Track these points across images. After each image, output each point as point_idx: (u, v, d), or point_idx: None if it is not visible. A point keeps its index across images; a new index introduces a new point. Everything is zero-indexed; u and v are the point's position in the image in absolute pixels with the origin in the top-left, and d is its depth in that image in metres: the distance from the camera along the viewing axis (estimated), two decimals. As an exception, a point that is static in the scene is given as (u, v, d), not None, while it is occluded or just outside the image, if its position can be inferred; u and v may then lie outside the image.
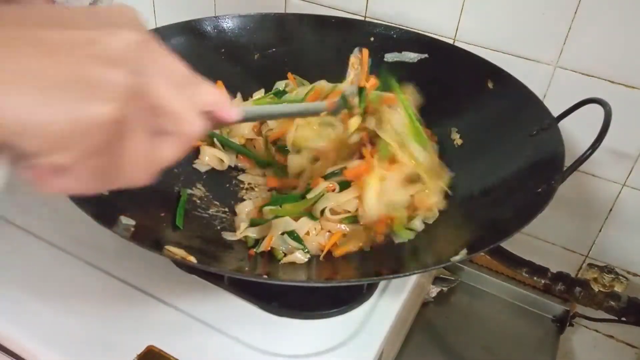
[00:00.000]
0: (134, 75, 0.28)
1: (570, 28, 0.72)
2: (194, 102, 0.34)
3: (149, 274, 0.62)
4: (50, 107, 0.26)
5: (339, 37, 0.81)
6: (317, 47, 0.80)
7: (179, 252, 0.51)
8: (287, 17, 0.83)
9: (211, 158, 0.70)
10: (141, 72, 0.29)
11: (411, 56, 0.79)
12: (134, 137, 0.30)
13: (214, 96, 0.36)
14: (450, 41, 0.81)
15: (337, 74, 0.77)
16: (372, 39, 0.81)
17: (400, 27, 0.81)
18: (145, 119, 0.30)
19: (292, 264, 0.58)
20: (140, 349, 0.54)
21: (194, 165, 0.70)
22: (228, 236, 0.61)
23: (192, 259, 0.50)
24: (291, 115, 0.65)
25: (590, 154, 0.55)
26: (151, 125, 0.31)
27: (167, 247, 0.51)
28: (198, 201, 0.66)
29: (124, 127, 0.29)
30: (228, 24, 0.79)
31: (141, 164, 0.31)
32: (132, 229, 0.53)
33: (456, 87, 0.74)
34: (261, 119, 0.66)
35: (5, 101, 0.25)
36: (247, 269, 0.56)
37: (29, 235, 0.65)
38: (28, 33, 0.26)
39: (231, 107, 0.37)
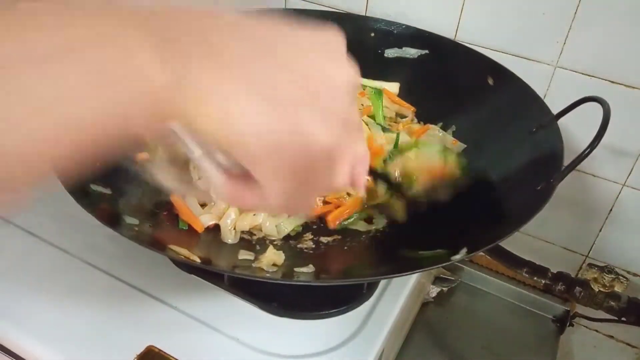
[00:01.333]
0: (352, 106, 0.29)
1: (570, 28, 0.72)
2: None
3: (149, 274, 0.61)
4: (284, 123, 0.26)
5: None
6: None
7: (183, 252, 0.51)
8: (286, 13, 0.83)
9: None
10: (354, 104, 0.30)
11: (411, 52, 0.79)
12: (344, 160, 0.30)
13: (364, 159, 0.34)
14: (451, 41, 0.81)
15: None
16: (372, 34, 0.81)
17: (401, 23, 0.81)
18: (341, 154, 0.30)
19: (293, 264, 0.58)
20: (140, 349, 0.54)
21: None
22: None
23: (196, 259, 0.50)
24: None
25: (589, 152, 0.55)
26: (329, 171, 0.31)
27: (170, 246, 0.51)
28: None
29: (333, 161, 0.29)
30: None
31: (315, 197, 0.32)
32: (136, 228, 0.53)
33: (456, 83, 0.74)
34: None
35: (245, 108, 0.26)
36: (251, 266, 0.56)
37: (29, 235, 0.65)
38: (276, 51, 0.28)
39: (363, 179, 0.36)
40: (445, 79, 0.74)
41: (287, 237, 0.62)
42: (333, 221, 0.61)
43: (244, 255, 0.55)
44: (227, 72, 0.26)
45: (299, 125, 0.27)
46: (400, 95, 0.79)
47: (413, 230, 0.63)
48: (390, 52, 0.80)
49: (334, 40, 0.31)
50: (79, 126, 0.23)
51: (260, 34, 0.28)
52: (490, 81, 0.72)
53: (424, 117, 0.77)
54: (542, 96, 0.77)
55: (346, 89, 0.29)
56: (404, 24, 0.80)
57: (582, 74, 0.74)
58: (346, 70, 0.29)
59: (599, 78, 0.73)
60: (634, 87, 0.72)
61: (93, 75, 0.23)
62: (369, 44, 0.80)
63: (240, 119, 0.26)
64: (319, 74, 0.28)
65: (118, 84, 0.24)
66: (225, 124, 0.26)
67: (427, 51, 0.79)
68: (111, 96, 0.24)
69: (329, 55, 0.29)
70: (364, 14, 0.86)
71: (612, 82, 0.72)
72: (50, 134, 0.22)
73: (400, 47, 0.80)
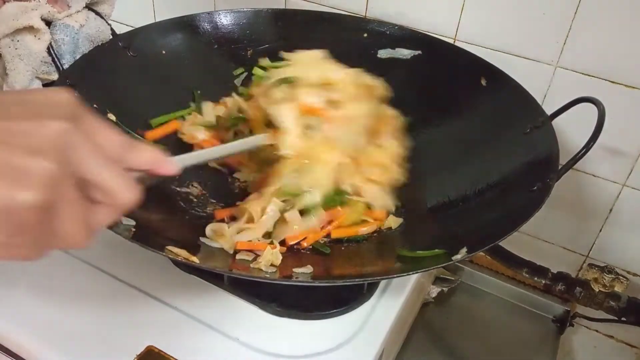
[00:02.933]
0: (60, 163, 0.31)
1: (570, 28, 0.72)
2: (129, 166, 0.37)
3: (149, 274, 0.61)
4: None
5: (332, 33, 0.81)
6: (310, 43, 0.80)
7: (181, 253, 0.51)
8: (279, 13, 0.83)
9: None
10: (69, 157, 0.31)
11: (405, 53, 0.79)
12: (67, 210, 0.32)
13: (148, 156, 0.39)
14: (451, 41, 0.81)
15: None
16: (365, 35, 0.81)
17: (395, 23, 0.81)
18: (78, 193, 0.33)
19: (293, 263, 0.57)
20: (140, 349, 0.54)
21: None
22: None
23: (195, 259, 0.50)
24: (230, 154, 0.62)
25: (585, 152, 0.55)
26: (85, 196, 0.34)
27: (168, 247, 0.51)
28: (195, 200, 0.65)
29: (55, 206, 0.31)
30: (221, 20, 0.79)
31: (77, 230, 0.33)
32: (133, 229, 0.53)
33: (450, 84, 0.74)
34: (201, 163, 0.65)
35: None
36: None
37: (29, 235, 0.65)
38: None
39: (167, 162, 0.40)
40: (438, 80, 0.74)
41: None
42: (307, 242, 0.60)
43: (242, 255, 0.55)
44: None
45: (3, 192, 0.29)
46: (393, 96, 0.79)
47: (413, 230, 0.63)
48: (384, 53, 0.80)
49: (51, 98, 0.33)
50: None
51: None
52: (484, 82, 0.72)
53: (417, 118, 0.77)
54: (542, 96, 0.77)
55: (47, 142, 0.31)
56: (397, 25, 0.80)
57: (582, 74, 0.74)
58: (47, 125, 0.31)
59: (599, 78, 0.73)
60: (634, 87, 0.72)
61: None
62: (362, 45, 0.81)
63: None
64: (19, 138, 0.30)
65: None
66: None
67: (420, 52, 0.79)
68: None
69: (30, 114, 0.31)
70: (363, 14, 0.86)
71: (612, 82, 0.72)
72: None
73: (393, 47, 0.80)
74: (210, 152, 0.58)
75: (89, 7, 0.74)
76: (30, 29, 0.67)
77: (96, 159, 0.34)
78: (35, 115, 0.31)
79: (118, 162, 0.36)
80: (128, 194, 0.35)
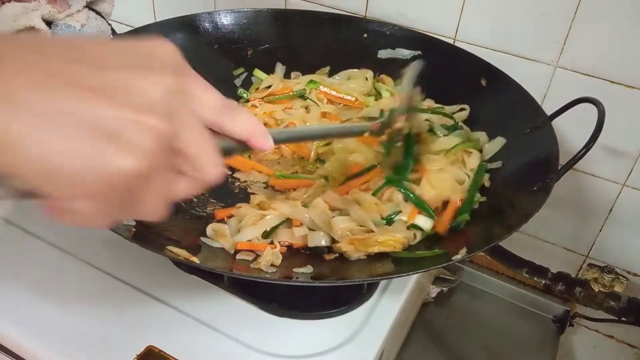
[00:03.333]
0: (164, 127, 0.28)
1: (570, 28, 0.72)
2: (224, 132, 0.34)
3: (149, 274, 0.61)
4: (77, 155, 0.25)
5: (332, 33, 0.81)
6: (310, 44, 0.80)
7: (182, 253, 0.51)
8: (280, 13, 0.83)
9: None
10: (171, 120, 0.28)
11: (404, 53, 0.79)
12: (156, 181, 0.29)
13: (246, 125, 0.36)
14: (451, 41, 0.81)
15: (332, 71, 0.77)
16: (365, 35, 0.81)
17: (395, 23, 0.81)
18: (169, 161, 0.30)
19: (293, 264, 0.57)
20: (140, 349, 0.54)
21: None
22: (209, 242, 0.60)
23: (195, 259, 0.50)
24: (331, 137, 0.63)
25: (585, 152, 0.55)
26: (172, 166, 0.31)
27: (168, 247, 0.51)
28: (195, 199, 0.66)
29: (149, 174, 0.28)
30: (222, 20, 0.79)
31: (158, 202, 0.31)
32: (133, 229, 0.53)
33: (450, 84, 0.74)
34: (295, 142, 0.62)
35: (34, 142, 0.25)
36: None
37: (29, 235, 0.65)
38: (63, 71, 0.26)
39: (265, 135, 0.37)
40: (438, 80, 0.74)
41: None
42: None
43: (243, 255, 0.55)
44: (25, 108, 0.25)
45: (105, 157, 0.26)
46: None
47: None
48: (383, 53, 0.80)
49: (158, 52, 0.30)
50: None
51: (55, 56, 0.27)
52: (484, 82, 0.72)
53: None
54: (542, 96, 0.77)
55: (158, 104, 0.28)
56: (397, 25, 0.80)
57: (582, 74, 0.74)
58: (159, 83, 0.28)
59: (599, 78, 0.73)
60: (634, 87, 0.72)
61: None
62: (362, 45, 0.81)
63: (27, 160, 0.25)
64: (123, 93, 0.27)
65: None
66: (16, 167, 0.25)
67: (420, 52, 0.79)
68: None
69: (139, 67, 0.28)
70: (363, 14, 0.86)
71: (612, 82, 0.72)
72: None
73: (393, 48, 0.80)
74: (310, 130, 0.56)
75: (88, 6, 0.74)
76: (31, 29, 0.67)
77: (196, 128, 0.31)
78: (140, 69, 0.28)
79: (214, 126, 0.33)
80: (215, 171, 0.33)
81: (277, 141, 0.40)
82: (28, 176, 0.26)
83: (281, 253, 0.57)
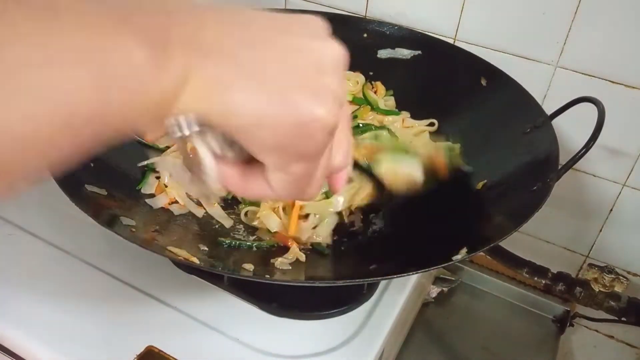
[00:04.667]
0: (341, 87, 0.30)
1: (570, 28, 0.72)
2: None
3: (149, 274, 0.61)
4: (283, 105, 0.27)
5: (332, 33, 0.81)
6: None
7: (182, 253, 0.51)
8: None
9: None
10: (344, 85, 0.31)
11: (404, 53, 0.79)
12: (328, 152, 0.31)
13: (348, 158, 0.35)
14: (451, 41, 0.81)
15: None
16: (365, 35, 0.81)
17: (395, 23, 0.81)
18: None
19: (292, 263, 0.57)
20: (140, 349, 0.54)
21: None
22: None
23: (195, 260, 0.50)
24: None
25: (585, 152, 0.55)
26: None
27: (169, 247, 0.51)
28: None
29: (331, 140, 0.30)
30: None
31: (320, 182, 0.32)
32: (133, 229, 0.53)
33: (449, 84, 0.74)
34: None
35: (245, 96, 0.26)
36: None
37: (29, 235, 0.65)
38: (263, 35, 0.28)
39: (343, 180, 0.36)
40: (438, 80, 0.74)
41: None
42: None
43: (246, 266, 0.55)
44: (222, 64, 0.26)
45: (296, 105, 0.27)
46: (393, 96, 0.79)
47: (413, 230, 0.63)
48: (383, 53, 0.80)
49: (314, 21, 0.32)
50: (77, 117, 0.23)
51: (246, 20, 0.29)
52: (484, 82, 0.72)
53: (417, 118, 0.77)
54: (542, 96, 0.77)
55: (333, 64, 0.30)
56: (396, 25, 0.80)
57: (582, 74, 0.74)
58: (331, 45, 0.30)
59: (599, 78, 0.73)
60: (634, 87, 0.72)
61: (92, 74, 0.23)
62: (362, 45, 0.80)
63: (241, 109, 0.26)
64: (305, 51, 0.29)
65: (116, 84, 0.24)
66: (228, 116, 0.27)
67: (420, 52, 0.79)
68: (109, 95, 0.24)
69: (311, 33, 0.30)
70: (363, 14, 0.86)
71: (612, 82, 0.72)
72: (47, 121, 0.22)
73: (393, 48, 0.80)
74: None
75: None
76: None
77: (345, 118, 0.32)
78: (315, 35, 0.31)
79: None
80: (343, 163, 0.33)
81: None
82: (238, 127, 0.27)
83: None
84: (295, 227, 0.57)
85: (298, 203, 0.58)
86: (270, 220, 0.59)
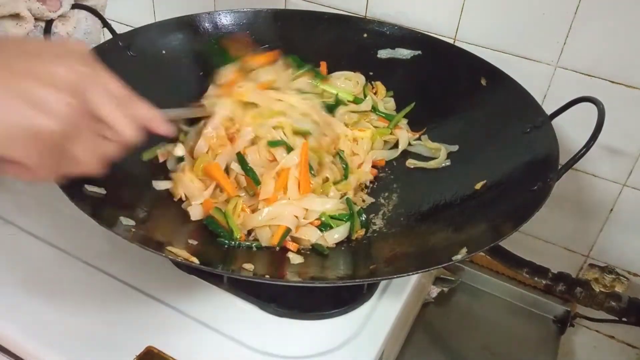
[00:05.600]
0: (76, 96, 0.38)
1: (570, 28, 0.72)
2: (131, 116, 0.44)
3: (149, 274, 0.61)
4: (8, 117, 0.36)
5: (332, 33, 0.81)
6: (310, 44, 0.80)
7: (181, 253, 0.51)
8: (280, 13, 0.83)
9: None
10: (84, 93, 0.39)
11: (404, 53, 0.79)
12: (82, 138, 0.40)
13: (147, 113, 0.46)
14: (451, 41, 0.81)
15: (330, 70, 0.77)
16: (365, 35, 0.81)
17: (395, 23, 0.81)
18: (91, 126, 0.41)
19: (292, 264, 0.57)
20: (140, 349, 0.54)
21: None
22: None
23: (195, 260, 0.50)
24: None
25: (585, 152, 0.55)
26: (94, 128, 0.42)
27: (168, 247, 0.51)
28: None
29: (71, 133, 0.39)
30: (222, 20, 0.79)
31: (89, 157, 0.42)
32: (133, 229, 0.53)
33: (450, 84, 0.74)
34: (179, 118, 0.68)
35: None
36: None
37: (29, 235, 0.65)
38: (2, 60, 0.38)
39: (163, 122, 0.48)
40: (438, 80, 0.74)
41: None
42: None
43: (246, 266, 0.55)
44: None
45: (28, 116, 0.36)
46: (394, 97, 0.79)
47: (413, 230, 0.63)
48: (383, 53, 0.80)
49: (71, 48, 0.41)
50: None
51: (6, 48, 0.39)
52: (484, 82, 0.72)
53: (417, 118, 0.77)
54: (542, 96, 0.77)
55: (70, 81, 0.38)
56: (396, 25, 0.80)
57: (582, 74, 0.74)
58: (72, 67, 0.39)
59: (599, 78, 0.73)
60: (634, 87, 0.72)
61: None
62: (362, 45, 0.81)
63: None
64: (45, 74, 0.37)
65: None
66: None
67: (420, 52, 0.79)
68: None
69: (57, 57, 0.39)
70: (363, 14, 0.86)
71: (612, 82, 0.72)
72: None
73: (393, 47, 0.80)
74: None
75: (78, 4, 0.73)
76: (16, 16, 0.66)
77: (109, 101, 0.41)
78: (57, 58, 0.39)
79: (123, 108, 0.43)
80: (131, 132, 0.43)
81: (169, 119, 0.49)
82: None
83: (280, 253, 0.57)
84: (278, 239, 0.58)
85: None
86: (263, 233, 0.59)
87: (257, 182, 0.61)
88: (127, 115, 0.43)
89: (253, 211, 0.60)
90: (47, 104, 0.37)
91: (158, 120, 0.47)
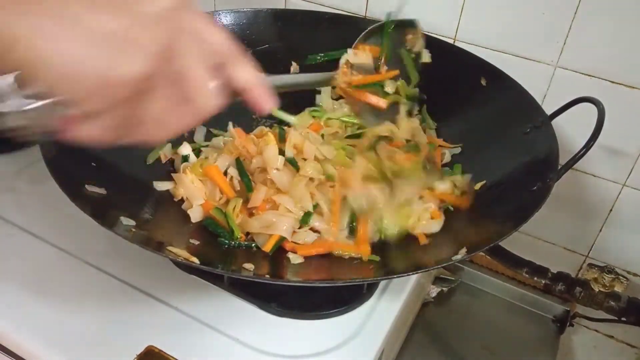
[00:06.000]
0: (167, 39, 0.31)
1: (570, 28, 0.72)
2: (226, 79, 0.36)
3: (149, 274, 0.61)
4: (91, 57, 0.29)
5: (332, 33, 0.81)
6: (310, 44, 0.80)
7: (182, 253, 0.51)
8: (280, 13, 0.83)
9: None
10: (173, 42, 0.32)
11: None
12: (156, 96, 0.33)
13: (248, 78, 0.37)
14: (451, 41, 0.81)
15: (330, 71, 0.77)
16: None
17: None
18: (169, 82, 0.33)
19: (291, 263, 0.57)
20: (140, 349, 0.54)
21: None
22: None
23: (195, 260, 0.50)
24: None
25: (585, 152, 0.55)
26: (173, 90, 0.33)
27: (169, 247, 0.51)
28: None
29: (150, 85, 0.32)
30: (222, 20, 0.79)
31: (158, 122, 0.34)
32: (133, 229, 0.53)
33: (450, 84, 0.74)
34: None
35: (55, 47, 0.28)
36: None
37: (29, 235, 0.65)
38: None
39: (265, 96, 0.38)
40: (438, 80, 0.74)
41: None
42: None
43: (247, 266, 0.55)
44: (44, 18, 0.28)
45: (114, 59, 0.30)
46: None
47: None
48: None
49: None
50: None
51: None
52: (484, 82, 0.72)
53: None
54: (542, 96, 0.77)
55: (157, 17, 0.31)
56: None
57: (582, 74, 0.74)
58: (156, 5, 0.32)
59: (599, 78, 0.73)
60: (634, 87, 0.72)
61: None
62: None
63: (61, 60, 0.29)
64: (128, 9, 0.31)
65: None
66: (49, 66, 0.29)
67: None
68: None
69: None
70: (363, 14, 0.86)
71: (612, 82, 0.72)
72: None
73: None
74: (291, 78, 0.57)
75: None
76: None
77: (200, 60, 0.34)
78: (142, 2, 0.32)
79: (216, 70, 0.35)
80: (211, 102, 0.35)
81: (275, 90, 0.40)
82: (49, 81, 0.29)
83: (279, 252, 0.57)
84: (270, 246, 0.58)
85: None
86: (259, 238, 0.60)
87: (250, 189, 0.62)
88: (221, 77, 0.35)
89: (250, 215, 0.61)
90: (135, 43, 0.30)
91: (260, 90, 0.38)
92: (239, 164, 0.64)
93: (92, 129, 0.33)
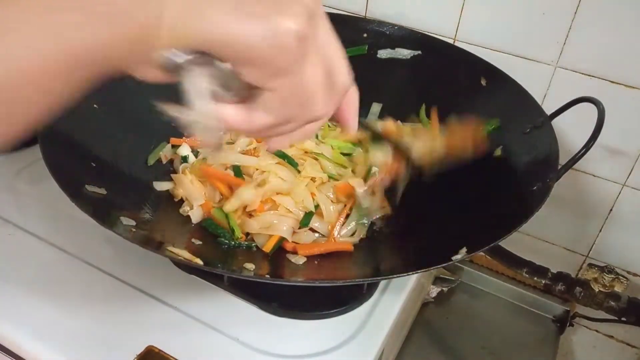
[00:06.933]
0: (313, 2, 0.31)
1: (570, 28, 0.72)
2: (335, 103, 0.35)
3: (149, 274, 0.61)
4: (249, 20, 0.29)
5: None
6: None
7: (182, 253, 0.51)
8: None
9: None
10: (314, 17, 0.32)
11: (404, 53, 0.79)
12: (312, 63, 0.32)
13: (351, 95, 0.38)
14: (451, 41, 0.81)
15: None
16: (365, 35, 0.81)
17: (395, 23, 0.81)
18: (316, 50, 0.32)
19: (292, 263, 0.57)
20: (140, 349, 0.54)
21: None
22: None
23: (198, 261, 0.50)
24: None
25: (585, 152, 0.55)
26: (319, 59, 0.33)
27: (169, 248, 0.51)
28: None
29: (306, 48, 0.31)
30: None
31: (321, 93, 0.33)
32: (133, 229, 0.53)
33: (450, 84, 0.74)
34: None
35: (212, 14, 0.28)
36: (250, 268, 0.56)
37: (30, 235, 0.65)
38: None
39: (356, 118, 0.40)
40: (438, 80, 0.74)
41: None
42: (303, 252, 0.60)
43: (247, 266, 0.55)
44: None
45: (266, 19, 0.29)
46: (392, 98, 0.79)
47: (413, 230, 0.63)
48: (383, 53, 0.80)
49: None
50: (75, 53, 0.26)
51: None
52: (484, 82, 0.72)
53: (416, 118, 0.77)
54: (542, 96, 0.77)
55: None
56: (397, 25, 0.80)
57: (582, 74, 0.74)
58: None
59: (599, 78, 0.73)
60: (634, 87, 0.72)
61: (85, 16, 0.26)
62: (362, 45, 0.80)
63: (216, 28, 0.28)
64: None
65: (103, 23, 0.26)
66: (205, 37, 0.28)
67: (420, 52, 0.79)
68: (99, 33, 0.26)
69: None
70: (363, 14, 0.86)
71: (612, 82, 0.72)
72: (53, 57, 0.26)
73: (393, 47, 0.80)
74: None
75: None
76: None
77: (330, 36, 0.34)
78: None
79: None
80: (348, 80, 0.35)
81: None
82: (224, 51, 0.29)
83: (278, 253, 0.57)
84: (270, 247, 0.58)
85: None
86: (259, 238, 0.60)
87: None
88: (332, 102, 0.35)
89: (250, 216, 0.61)
90: (293, 6, 0.30)
91: (355, 110, 0.40)
92: (236, 166, 0.65)
93: (261, 115, 0.33)
